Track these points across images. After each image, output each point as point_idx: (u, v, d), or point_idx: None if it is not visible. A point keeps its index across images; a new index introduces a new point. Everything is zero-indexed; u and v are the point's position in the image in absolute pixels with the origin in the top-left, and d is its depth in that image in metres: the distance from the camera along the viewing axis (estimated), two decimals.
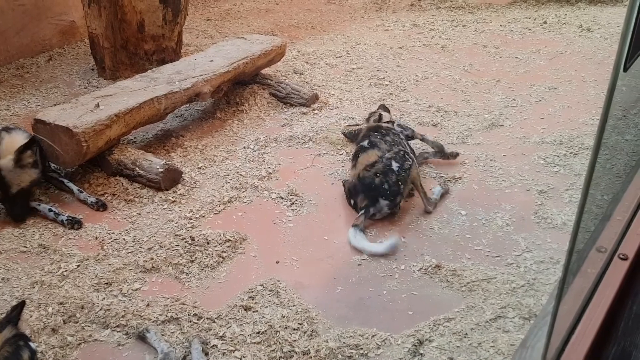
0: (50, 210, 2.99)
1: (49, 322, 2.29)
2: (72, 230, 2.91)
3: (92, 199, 3.10)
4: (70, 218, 2.95)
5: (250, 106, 4.16)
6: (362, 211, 2.89)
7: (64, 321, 2.32)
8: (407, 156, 3.02)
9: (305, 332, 2.25)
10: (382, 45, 5.38)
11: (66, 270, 2.60)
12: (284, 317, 2.33)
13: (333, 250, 2.75)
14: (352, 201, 3.05)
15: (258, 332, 2.26)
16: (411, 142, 3.41)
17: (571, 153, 3.50)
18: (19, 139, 2.98)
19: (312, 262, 2.68)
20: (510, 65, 4.86)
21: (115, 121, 3.19)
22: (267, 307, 2.39)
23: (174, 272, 2.62)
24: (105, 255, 2.72)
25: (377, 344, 2.20)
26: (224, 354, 2.17)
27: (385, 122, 3.42)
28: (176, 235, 2.84)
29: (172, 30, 4.74)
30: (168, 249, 2.75)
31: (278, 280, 2.54)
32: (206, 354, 2.17)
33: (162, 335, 2.25)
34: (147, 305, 2.41)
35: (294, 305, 2.39)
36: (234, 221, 2.98)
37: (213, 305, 2.42)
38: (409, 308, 2.39)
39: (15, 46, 4.98)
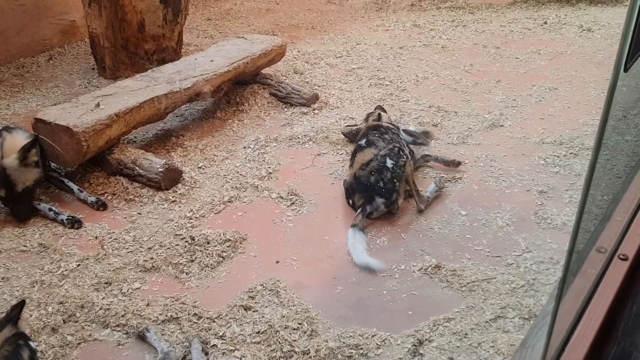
0: (50, 209, 2.99)
1: (48, 322, 2.29)
2: (72, 230, 2.91)
3: (92, 199, 3.10)
4: (70, 217, 2.95)
5: (251, 106, 4.16)
6: (360, 210, 2.89)
7: (63, 320, 2.32)
8: (401, 153, 3.02)
9: (305, 332, 2.25)
10: (383, 45, 5.38)
11: (66, 270, 2.60)
12: (283, 316, 2.33)
13: (333, 250, 2.75)
14: (350, 200, 3.05)
15: (258, 332, 2.26)
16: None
17: (571, 153, 3.50)
18: (21, 138, 2.98)
19: (312, 262, 2.68)
20: (511, 66, 4.86)
21: (115, 121, 3.20)
22: (267, 306, 2.39)
23: (174, 272, 2.62)
24: (105, 254, 2.72)
25: (377, 343, 2.20)
26: (223, 353, 2.17)
27: (385, 122, 3.42)
28: (176, 234, 2.84)
29: (173, 30, 4.74)
30: (168, 248, 2.75)
31: (278, 280, 2.54)
32: (206, 354, 2.17)
33: (162, 334, 2.25)
34: (147, 304, 2.41)
35: (294, 305, 2.39)
36: (234, 221, 2.98)
37: (213, 305, 2.42)
38: (408, 308, 2.39)
39: (15, 46, 4.98)
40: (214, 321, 2.32)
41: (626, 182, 1.55)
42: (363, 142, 3.17)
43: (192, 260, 2.68)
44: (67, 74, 4.83)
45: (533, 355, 1.16)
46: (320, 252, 2.75)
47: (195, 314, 2.36)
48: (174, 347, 2.19)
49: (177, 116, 4.07)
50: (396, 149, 3.03)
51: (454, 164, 3.35)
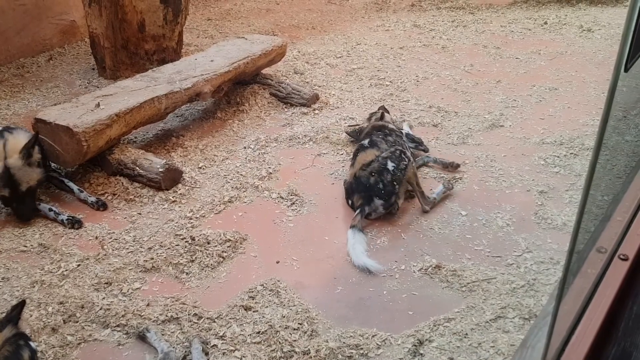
0: (50, 209, 2.99)
1: (49, 322, 2.29)
2: (72, 230, 2.91)
3: (93, 199, 3.10)
4: (71, 217, 2.95)
5: (251, 106, 4.16)
6: (358, 210, 2.89)
7: (64, 321, 2.32)
8: (403, 156, 3.01)
9: (305, 332, 2.25)
10: (383, 45, 5.38)
11: (66, 270, 2.60)
12: (284, 317, 2.33)
13: (333, 250, 2.75)
14: (349, 200, 3.05)
15: (258, 332, 2.26)
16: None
17: (571, 154, 3.50)
18: (22, 138, 2.99)
19: (312, 262, 2.68)
20: (511, 66, 4.86)
21: (115, 121, 3.20)
22: (267, 307, 2.39)
23: (174, 272, 2.62)
24: (105, 254, 2.72)
25: (377, 344, 2.20)
26: (224, 353, 2.17)
27: (390, 124, 3.42)
28: (176, 235, 2.84)
29: (173, 30, 4.75)
30: (168, 248, 2.75)
31: (278, 280, 2.54)
32: (206, 354, 2.17)
33: (162, 334, 2.25)
34: (147, 304, 2.41)
35: (294, 305, 2.39)
36: (234, 221, 2.98)
37: (213, 305, 2.42)
38: (409, 308, 2.39)
39: (15, 46, 4.98)
40: (214, 321, 2.32)
41: (626, 182, 1.55)
42: (366, 142, 3.17)
43: (193, 261, 2.68)
44: (67, 74, 4.83)
45: (533, 356, 1.16)
46: (321, 252, 2.75)
47: (195, 314, 2.36)
48: (174, 347, 2.19)
49: (177, 116, 4.07)
50: (398, 151, 3.03)
51: (453, 167, 3.35)
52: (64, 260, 2.68)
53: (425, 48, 5.31)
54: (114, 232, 2.88)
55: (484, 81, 4.58)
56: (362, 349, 2.17)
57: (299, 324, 2.29)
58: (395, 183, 2.91)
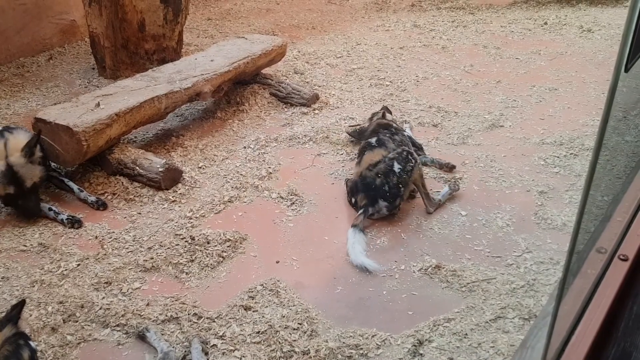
0: (50, 209, 3.00)
1: (48, 321, 2.29)
2: (72, 229, 2.91)
3: (93, 198, 3.10)
4: (70, 217, 2.95)
5: (251, 106, 4.16)
6: (361, 210, 2.89)
7: (63, 320, 2.32)
8: (410, 157, 2.99)
9: (305, 332, 2.25)
10: (383, 45, 5.38)
11: (66, 270, 2.60)
12: (283, 317, 2.33)
13: (333, 250, 2.75)
14: (352, 199, 3.04)
15: (258, 332, 2.26)
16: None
17: (571, 154, 3.50)
18: (22, 138, 3.00)
19: (312, 262, 2.68)
20: (511, 66, 4.86)
21: (115, 120, 3.20)
22: (267, 306, 2.39)
23: (174, 272, 2.62)
24: (105, 254, 2.72)
25: (376, 344, 2.20)
26: (223, 353, 2.17)
27: (392, 121, 3.42)
28: (176, 234, 2.84)
29: (173, 29, 4.75)
30: (168, 248, 2.75)
31: (278, 280, 2.54)
32: (206, 354, 2.17)
33: (162, 334, 2.25)
34: (147, 304, 2.41)
35: (294, 305, 2.39)
36: (234, 221, 2.98)
37: (213, 305, 2.42)
38: (408, 308, 2.39)
39: (16, 45, 4.98)
40: (214, 321, 2.32)
41: (626, 182, 1.55)
42: (373, 140, 3.15)
43: (192, 260, 2.68)
44: (68, 74, 4.83)
45: (533, 356, 1.16)
46: (321, 252, 2.75)
47: (195, 314, 2.36)
48: (173, 347, 2.19)
49: (177, 116, 4.07)
50: (405, 152, 3.00)
51: (448, 167, 3.34)
52: (63, 259, 2.68)
53: (425, 48, 5.31)
54: (113, 232, 2.88)
55: (484, 81, 4.58)
56: (361, 349, 2.17)
57: (298, 323, 2.29)
58: (400, 185, 2.90)
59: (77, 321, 2.32)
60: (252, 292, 2.48)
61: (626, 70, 0.93)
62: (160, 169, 3.17)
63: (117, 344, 2.24)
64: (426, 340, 2.21)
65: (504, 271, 2.57)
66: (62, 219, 2.94)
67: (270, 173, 3.39)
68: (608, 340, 1.11)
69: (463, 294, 2.45)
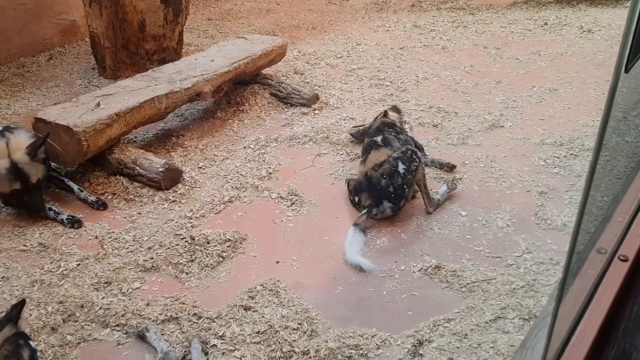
0: (50, 209, 3.00)
1: (48, 321, 2.29)
2: (72, 229, 2.91)
3: (93, 198, 3.10)
4: (70, 217, 2.95)
5: (251, 106, 4.16)
6: (365, 210, 2.88)
7: (63, 320, 2.32)
8: (414, 156, 2.97)
9: (305, 332, 2.25)
10: (383, 45, 5.39)
11: (66, 269, 2.60)
12: (283, 317, 2.33)
13: (333, 250, 2.75)
14: (356, 198, 3.03)
15: (258, 332, 2.26)
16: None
17: (571, 154, 3.50)
18: (23, 138, 3.02)
19: (312, 262, 2.68)
20: (511, 67, 4.86)
21: (115, 120, 3.20)
22: (267, 307, 2.39)
23: (173, 272, 2.62)
24: (105, 254, 2.72)
25: (376, 344, 2.20)
26: (223, 353, 2.17)
27: (394, 120, 3.41)
28: (176, 234, 2.84)
29: (173, 30, 4.75)
30: (168, 248, 2.75)
31: (278, 280, 2.54)
32: (206, 354, 2.17)
33: (162, 334, 2.25)
34: (147, 304, 2.41)
35: (294, 305, 2.39)
36: (234, 221, 2.98)
37: (213, 305, 2.42)
38: (408, 308, 2.39)
39: (16, 45, 4.98)
40: (214, 321, 2.32)
41: (626, 183, 1.55)
42: (379, 139, 3.13)
43: (192, 260, 2.68)
44: (68, 74, 4.83)
45: (533, 356, 1.16)
46: (320, 253, 2.75)
47: (195, 314, 2.36)
48: (173, 347, 2.19)
49: (177, 116, 4.07)
50: (409, 152, 2.99)
51: (448, 167, 3.34)
52: (63, 259, 2.68)
53: (425, 48, 5.31)
54: (113, 232, 2.89)
55: (484, 82, 4.58)
56: (361, 349, 2.17)
57: (298, 324, 2.29)
58: (405, 186, 2.90)
59: (77, 321, 2.32)
60: (252, 292, 2.48)
61: (626, 71, 0.93)
62: (160, 169, 3.17)
63: (117, 343, 2.24)
64: (426, 340, 2.21)
65: (504, 271, 2.57)
66: (62, 219, 2.95)
67: (270, 173, 3.39)
68: (608, 341, 1.11)
69: (463, 294, 2.45)
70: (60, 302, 2.39)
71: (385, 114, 3.53)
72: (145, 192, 3.18)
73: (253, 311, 2.37)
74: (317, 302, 2.43)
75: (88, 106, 3.24)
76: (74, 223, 2.93)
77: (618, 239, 1.32)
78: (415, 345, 2.18)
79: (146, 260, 2.66)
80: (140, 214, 3.03)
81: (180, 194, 3.18)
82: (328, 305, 2.42)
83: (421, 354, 2.15)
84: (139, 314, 2.35)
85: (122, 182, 3.24)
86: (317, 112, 4.11)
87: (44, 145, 3.01)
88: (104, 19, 4.48)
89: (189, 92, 3.65)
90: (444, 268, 2.58)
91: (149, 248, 2.76)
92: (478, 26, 5.86)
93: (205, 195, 3.18)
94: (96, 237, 2.85)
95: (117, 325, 2.31)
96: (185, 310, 2.37)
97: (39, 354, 2.06)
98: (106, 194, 3.19)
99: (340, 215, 3.03)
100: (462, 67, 4.88)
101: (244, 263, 2.69)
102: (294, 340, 2.20)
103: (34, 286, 2.50)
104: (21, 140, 2.99)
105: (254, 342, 2.21)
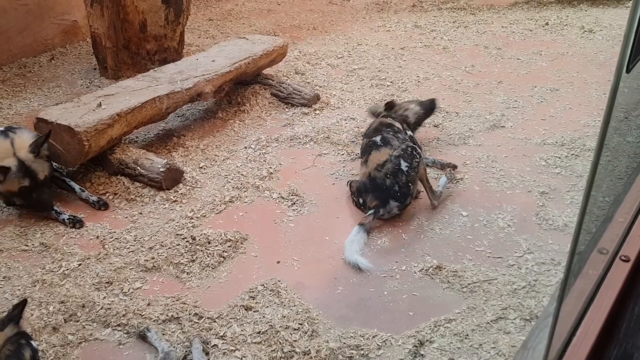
0: (52, 209, 3.00)
1: (50, 321, 2.30)
2: (73, 229, 2.92)
3: (94, 198, 3.11)
4: (72, 217, 2.96)
5: (252, 106, 4.16)
6: (372, 211, 2.88)
7: (64, 320, 2.32)
8: (414, 152, 2.98)
9: (305, 332, 2.25)
10: (384, 46, 5.38)
11: (67, 269, 2.61)
12: (284, 317, 2.33)
13: (334, 250, 2.75)
14: (360, 200, 3.02)
15: (259, 332, 2.26)
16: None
17: (573, 154, 3.49)
18: (26, 137, 3.04)
19: (313, 262, 2.68)
20: (512, 67, 4.86)
21: (117, 120, 3.20)
22: (267, 307, 2.39)
23: (174, 272, 2.62)
24: (106, 254, 2.72)
25: (377, 344, 2.20)
26: (224, 353, 2.17)
27: (394, 121, 3.38)
28: (177, 234, 2.85)
29: (174, 30, 4.75)
30: (169, 248, 2.76)
31: (279, 280, 2.54)
32: (207, 354, 2.17)
33: (163, 334, 2.26)
34: (148, 304, 2.42)
35: (295, 306, 2.39)
36: (235, 221, 2.99)
37: (214, 305, 2.42)
38: (409, 309, 2.39)
39: (17, 45, 4.99)
40: (215, 321, 2.32)
41: (628, 183, 1.55)
42: (378, 139, 3.13)
43: (193, 260, 2.68)
44: (69, 74, 4.84)
45: (534, 357, 1.16)
46: (321, 253, 2.75)
47: (196, 314, 2.36)
48: (174, 347, 2.19)
49: (178, 116, 4.07)
50: (410, 149, 2.99)
51: (450, 167, 3.34)
52: (65, 259, 2.68)
53: (426, 49, 5.31)
54: (115, 232, 2.89)
55: (485, 82, 4.58)
56: (362, 349, 2.17)
57: (299, 324, 2.29)
58: (410, 184, 2.91)
59: (78, 321, 2.33)
60: (253, 292, 2.48)
61: (628, 71, 0.93)
62: (161, 169, 3.17)
63: (118, 343, 2.24)
64: (427, 341, 2.21)
65: (505, 272, 2.57)
66: (63, 219, 2.95)
67: (271, 173, 3.39)
68: (609, 342, 1.11)
69: (464, 295, 2.45)
70: (62, 302, 2.39)
71: (391, 104, 3.48)
72: (146, 192, 3.19)
73: (254, 311, 2.37)
74: (318, 302, 2.43)
75: (89, 106, 3.24)
76: (76, 223, 2.93)
77: (619, 239, 1.32)
78: (416, 346, 2.18)
79: (147, 260, 2.66)
80: (141, 214, 3.03)
81: (182, 194, 3.19)
82: (329, 305, 2.42)
83: (422, 355, 2.15)
84: (140, 314, 2.35)
85: (124, 182, 3.24)
86: (317, 112, 4.11)
87: (47, 142, 3.02)
88: (105, 19, 4.49)
89: (190, 92, 3.65)
90: (445, 268, 2.58)
91: (150, 248, 2.76)
92: (479, 26, 5.86)
93: (206, 195, 3.19)
94: (97, 237, 2.85)
95: (118, 325, 2.31)
96: (186, 310, 2.38)
97: (40, 353, 2.07)
98: (107, 194, 3.20)
99: (341, 216, 3.03)
100: (463, 67, 4.88)
101: (245, 263, 2.69)
102: (295, 341, 2.20)
103: (35, 286, 2.51)
104: (24, 139, 3.01)
105: (255, 342, 2.21)
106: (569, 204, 3.04)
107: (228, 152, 3.63)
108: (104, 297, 2.44)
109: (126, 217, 3.01)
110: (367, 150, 3.15)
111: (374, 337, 2.23)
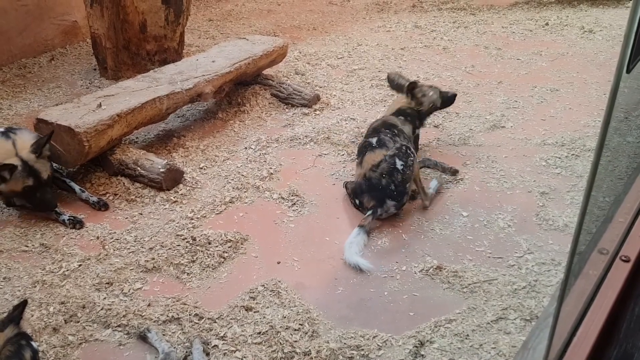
0: None
1: (50, 322, 2.30)
2: (73, 230, 2.92)
3: (94, 199, 3.11)
4: (72, 218, 2.96)
5: (252, 107, 4.16)
6: (370, 212, 2.88)
7: (65, 321, 2.32)
8: (409, 151, 2.99)
9: (306, 333, 2.25)
10: (384, 46, 5.39)
11: (67, 270, 2.61)
12: (285, 317, 2.33)
13: (334, 250, 2.75)
14: (357, 201, 3.03)
15: (259, 333, 2.26)
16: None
17: (573, 155, 3.49)
18: (27, 138, 3.04)
19: (313, 263, 2.68)
20: (512, 67, 4.86)
21: (117, 121, 3.20)
22: (268, 307, 2.39)
23: (175, 272, 2.62)
24: (106, 255, 2.72)
25: (378, 345, 2.20)
26: (225, 354, 2.17)
27: (397, 122, 3.32)
28: (177, 235, 2.85)
29: (174, 30, 4.75)
30: (169, 249, 2.76)
31: (279, 281, 2.54)
32: (207, 354, 2.17)
33: (163, 335, 2.26)
34: (148, 305, 2.42)
35: (295, 306, 2.39)
36: (235, 221, 2.99)
37: (214, 306, 2.42)
38: (410, 309, 2.39)
39: (17, 46, 4.99)
40: (215, 322, 2.32)
41: (628, 183, 1.55)
42: (374, 141, 3.11)
43: (194, 261, 2.68)
44: (69, 75, 4.84)
45: (535, 357, 1.16)
46: (322, 253, 2.75)
47: (196, 315, 2.36)
48: (175, 348, 2.19)
49: (178, 117, 4.07)
50: (404, 147, 3.00)
51: (451, 171, 3.33)
52: (65, 260, 2.68)
53: (426, 49, 5.31)
54: (115, 232, 2.89)
55: (485, 82, 4.58)
56: (363, 349, 2.17)
57: (299, 324, 2.29)
58: (406, 182, 2.92)
59: (78, 321, 2.33)
60: (253, 292, 2.48)
61: (628, 71, 0.93)
62: (161, 170, 3.17)
63: (118, 344, 2.24)
64: (427, 341, 2.21)
65: (506, 272, 2.57)
66: (63, 220, 2.95)
67: (272, 174, 3.39)
68: (610, 342, 1.11)
69: (464, 295, 2.44)
70: (62, 303, 2.39)
71: (414, 85, 3.34)
72: (146, 193, 3.19)
73: (254, 312, 2.37)
74: (319, 302, 2.43)
75: (89, 107, 3.24)
76: (76, 224, 2.93)
77: (620, 239, 1.32)
78: (416, 346, 2.18)
79: (147, 261, 2.66)
80: (141, 214, 3.03)
81: (182, 194, 3.19)
82: (329, 305, 2.42)
83: (422, 355, 2.15)
84: (140, 315, 2.35)
85: (124, 183, 3.24)
86: (318, 112, 4.11)
87: (48, 143, 3.03)
88: (105, 19, 4.49)
89: (190, 93, 3.65)
90: (445, 269, 2.58)
91: (150, 249, 2.76)
92: (479, 26, 5.86)
93: (207, 195, 3.19)
94: (98, 238, 2.85)
95: (119, 326, 2.31)
96: (187, 311, 2.38)
97: (40, 354, 2.07)
98: (107, 195, 3.20)
99: (342, 216, 3.03)
100: (463, 67, 4.88)
101: (245, 263, 2.69)
102: (295, 341, 2.20)
103: (35, 287, 2.51)
104: (26, 140, 3.02)
105: (255, 343, 2.21)
106: (569, 204, 3.04)
107: (228, 153, 3.63)
108: (104, 298, 2.44)
109: (126, 218, 3.01)
110: (362, 151, 3.16)
111: (374, 337, 2.23)
